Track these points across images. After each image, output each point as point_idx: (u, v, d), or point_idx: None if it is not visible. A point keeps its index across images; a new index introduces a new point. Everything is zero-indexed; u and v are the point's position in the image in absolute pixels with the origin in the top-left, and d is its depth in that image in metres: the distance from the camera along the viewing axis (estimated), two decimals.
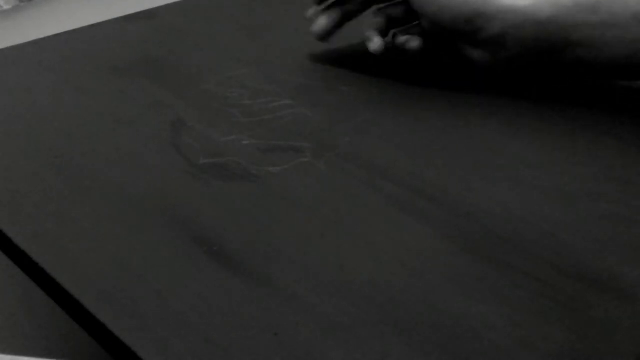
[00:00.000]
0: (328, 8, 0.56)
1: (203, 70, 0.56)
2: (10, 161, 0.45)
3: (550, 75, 0.52)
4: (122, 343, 0.32)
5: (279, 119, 0.50)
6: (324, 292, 0.35)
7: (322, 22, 0.55)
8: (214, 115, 0.50)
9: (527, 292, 0.35)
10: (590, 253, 0.37)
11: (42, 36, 0.63)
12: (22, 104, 0.52)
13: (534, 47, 0.49)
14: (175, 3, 0.71)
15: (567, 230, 0.39)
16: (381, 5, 0.56)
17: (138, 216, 0.40)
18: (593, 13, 0.47)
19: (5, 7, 0.85)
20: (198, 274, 0.36)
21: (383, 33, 0.55)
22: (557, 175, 0.44)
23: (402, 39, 0.54)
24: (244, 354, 0.31)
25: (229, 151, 0.46)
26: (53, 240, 0.38)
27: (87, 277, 0.35)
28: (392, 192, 0.42)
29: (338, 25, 0.56)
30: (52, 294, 0.36)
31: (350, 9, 0.56)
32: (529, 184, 0.43)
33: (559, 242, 0.38)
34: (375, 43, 0.54)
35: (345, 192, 0.42)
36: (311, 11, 0.56)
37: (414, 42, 0.54)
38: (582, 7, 0.47)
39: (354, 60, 0.58)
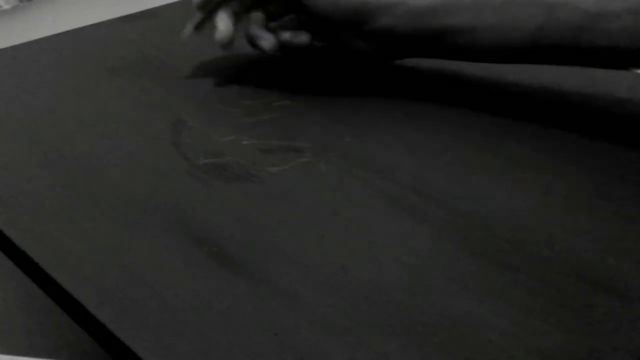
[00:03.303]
0: (210, 14, 0.54)
1: (203, 70, 0.56)
2: (10, 161, 0.45)
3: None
4: (122, 343, 0.32)
5: (279, 119, 0.50)
6: (324, 292, 0.35)
7: (223, 30, 0.52)
8: (214, 115, 0.50)
9: (527, 292, 0.35)
10: (590, 253, 0.37)
11: (42, 36, 0.63)
12: (22, 104, 0.52)
13: (417, 37, 0.50)
14: (175, 3, 0.71)
15: (567, 230, 0.39)
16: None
17: (138, 216, 0.40)
18: None
19: (5, 7, 0.85)
20: (198, 274, 0.36)
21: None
22: (557, 176, 0.44)
23: (285, 35, 0.53)
24: (244, 354, 0.31)
25: (229, 151, 0.46)
26: (53, 240, 0.38)
27: (87, 277, 0.35)
28: (392, 192, 0.42)
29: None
30: (52, 294, 0.36)
31: (236, 10, 0.54)
32: (529, 184, 0.43)
33: (559, 242, 0.38)
34: (268, 40, 0.53)
35: (345, 192, 0.42)
36: (187, 29, 0.54)
37: (302, 37, 0.53)
38: None
39: (354, 61, 0.58)
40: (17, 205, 0.41)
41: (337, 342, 0.32)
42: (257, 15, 0.54)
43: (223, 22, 0.53)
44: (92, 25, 0.65)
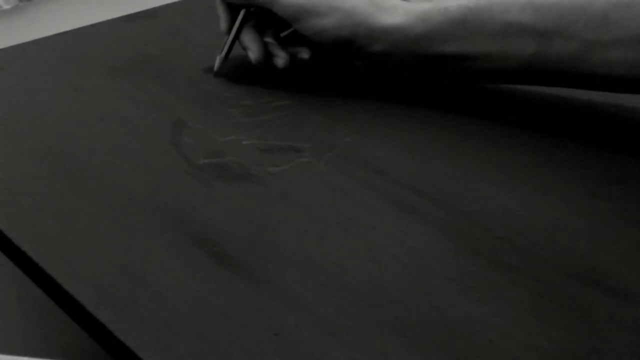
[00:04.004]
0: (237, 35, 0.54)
1: (203, 70, 0.56)
2: (10, 161, 0.45)
3: (439, 80, 0.54)
4: (122, 343, 0.32)
5: (279, 119, 0.50)
6: (324, 292, 0.35)
7: (256, 50, 0.53)
8: (214, 115, 0.50)
9: (527, 292, 0.35)
10: (590, 253, 0.37)
11: (42, 36, 0.63)
12: (22, 104, 0.52)
13: (412, 61, 0.50)
14: (175, 3, 0.71)
15: (567, 230, 0.39)
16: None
17: (138, 216, 0.40)
18: (463, 26, 0.48)
19: (5, 7, 0.84)
20: (198, 274, 0.36)
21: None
22: (557, 176, 0.44)
23: (290, 49, 0.54)
24: (244, 354, 0.31)
25: (229, 151, 0.46)
26: (53, 240, 0.38)
27: (87, 277, 0.35)
28: (392, 192, 0.42)
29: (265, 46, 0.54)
30: (52, 294, 0.36)
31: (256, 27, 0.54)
32: (529, 184, 0.43)
33: (559, 242, 0.38)
34: (283, 58, 0.53)
35: (345, 192, 0.42)
36: (217, 62, 0.55)
37: (303, 54, 0.54)
38: (451, 22, 0.48)
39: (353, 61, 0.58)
40: (17, 205, 0.41)
41: (337, 342, 0.32)
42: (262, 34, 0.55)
43: (253, 43, 0.53)
44: (92, 25, 0.65)
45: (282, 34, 0.55)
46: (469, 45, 0.48)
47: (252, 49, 0.53)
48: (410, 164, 0.45)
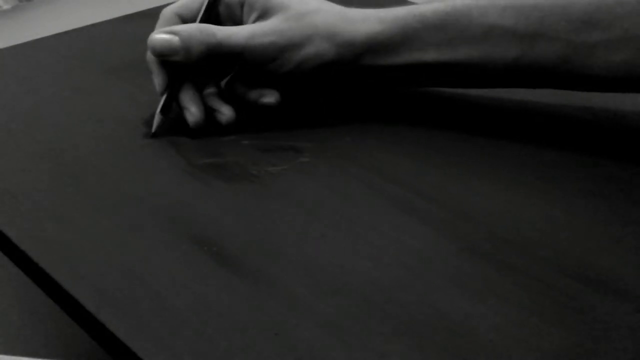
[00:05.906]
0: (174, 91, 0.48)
1: None
2: (10, 161, 0.45)
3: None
4: (122, 343, 0.32)
5: (279, 119, 0.50)
6: (324, 292, 0.35)
7: (195, 112, 0.48)
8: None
9: (527, 292, 0.35)
10: (590, 253, 0.37)
11: (41, 36, 0.63)
12: (22, 104, 0.52)
13: (394, 69, 0.48)
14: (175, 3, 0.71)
15: (567, 230, 0.39)
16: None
17: (138, 216, 0.40)
18: (442, 32, 0.46)
19: (5, 7, 0.85)
20: (198, 274, 0.36)
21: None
22: (557, 176, 0.44)
23: (253, 94, 0.50)
24: (244, 354, 0.31)
25: (229, 151, 0.46)
26: (53, 240, 0.38)
27: (87, 277, 0.35)
28: (392, 192, 0.42)
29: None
30: (52, 294, 0.36)
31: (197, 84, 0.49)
32: (529, 184, 0.43)
33: (559, 242, 0.38)
34: (225, 115, 0.48)
35: (345, 192, 0.42)
36: (155, 124, 0.48)
37: (271, 97, 0.49)
38: (429, 28, 0.46)
39: None
40: (17, 205, 0.41)
41: (337, 342, 0.32)
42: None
43: (192, 103, 0.48)
44: (92, 25, 0.65)
45: (223, 82, 0.51)
46: (450, 51, 0.46)
47: (192, 111, 0.48)
48: (410, 164, 0.45)
